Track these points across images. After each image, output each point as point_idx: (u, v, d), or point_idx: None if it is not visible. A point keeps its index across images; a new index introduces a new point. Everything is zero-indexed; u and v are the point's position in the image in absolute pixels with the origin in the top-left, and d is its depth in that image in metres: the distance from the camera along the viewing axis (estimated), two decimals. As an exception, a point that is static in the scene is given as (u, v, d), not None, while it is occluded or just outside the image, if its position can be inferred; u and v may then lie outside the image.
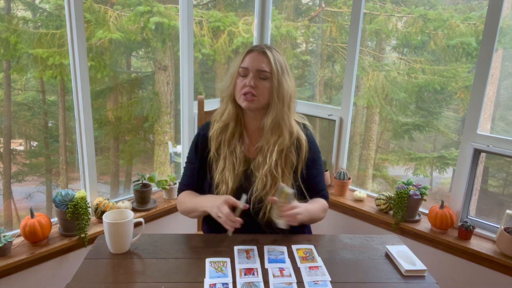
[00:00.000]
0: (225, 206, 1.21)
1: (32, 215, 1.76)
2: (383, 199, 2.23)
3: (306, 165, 1.39)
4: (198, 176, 1.44)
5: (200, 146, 1.43)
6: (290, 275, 1.09)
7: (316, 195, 1.42)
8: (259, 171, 1.34)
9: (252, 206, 1.32)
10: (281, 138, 1.33)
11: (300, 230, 1.44)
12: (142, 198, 2.18)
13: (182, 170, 1.56)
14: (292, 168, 1.37)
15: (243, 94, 1.30)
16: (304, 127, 1.43)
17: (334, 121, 2.49)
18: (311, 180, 1.40)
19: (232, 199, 1.23)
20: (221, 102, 1.40)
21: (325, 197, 1.45)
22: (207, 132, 1.42)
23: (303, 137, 1.38)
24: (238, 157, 1.35)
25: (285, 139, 1.34)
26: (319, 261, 1.17)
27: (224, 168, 1.35)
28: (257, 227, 1.36)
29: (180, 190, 1.48)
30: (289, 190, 1.21)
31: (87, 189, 2.05)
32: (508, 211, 1.88)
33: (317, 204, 1.38)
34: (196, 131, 1.69)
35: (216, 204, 1.23)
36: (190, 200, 1.40)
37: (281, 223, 1.22)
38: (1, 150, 3.11)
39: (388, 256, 1.23)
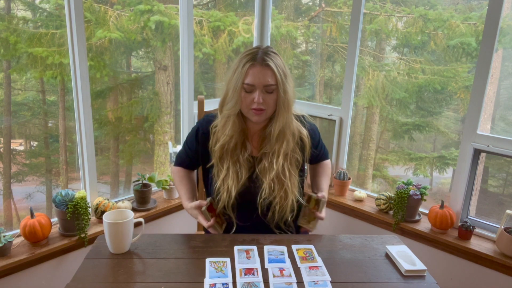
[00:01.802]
0: (200, 218, 1.35)
1: (32, 215, 1.76)
2: (383, 199, 2.23)
3: (309, 158, 1.45)
4: (196, 162, 1.51)
5: (201, 142, 1.42)
6: (290, 275, 1.09)
7: (322, 159, 1.57)
8: (265, 176, 1.33)
9: (261, 209, 1.34)
10: (285, 143, 1.33)
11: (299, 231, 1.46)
12: (142, 198, 2.18)
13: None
14: (298, 167, 1.39)
15: (252, 109, 1.29)
16: (304, 119, 1.43)
17: (334, 121, 2.49)
18: (317, 154, 1.52)
19: (201, 206, 1.34)
20: (223, 117, 1.35)
21: (327, 156, 1.59)
22: (206, 129, 1.41)
23: (305, 134, 1.39)
24: (242, 165, 1.34)
25: (289, 143, 1.34)
26: (319, 261, 1.17)
27: (226, 176, 1.34)
28: (267, 228, 1.37)
29: (175, 163, 1.56)
30: (316, 196, 1.35)
31: (87, 189, 2.05)
32: (508, 211, 1.88)
33: (326, 178, 1.54)
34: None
35: (193, 215, 1.37)
36: (178, 185, 1.51)
37: (310, 227, 1.37)
38: (1, 150, 3.11)
39: (388, 256, 1.23)
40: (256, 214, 1.36)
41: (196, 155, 1.46)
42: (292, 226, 1.40)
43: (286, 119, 1.32)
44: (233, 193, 1.32)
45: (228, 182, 1.33)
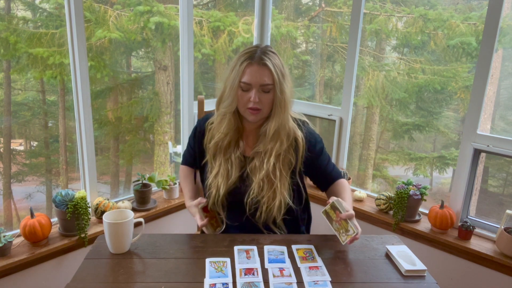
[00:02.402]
0: (197, 216, 1.35)
1: (32, 215, 1.76)
2: (383, 199, 2.23)
3: (305, 163, 1.37)
4: (196, 160, 1.50)
5: (198, 139, 1.45)
6: (290, 275, 1.09)
7: (333, 179, 1.44)
8: (255, 175, 1.32)
9: (249, 208, 1.34)
10: (278, 143, 1.31)
11: (299, 230, 1.45)
12: (142, 198, 2.18)
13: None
14: (290, 169, 1.35)
15: (248, 108, 1.28)
16: (303, 124, 1.39)
17: (334, 121, 2.49)
18: (323, 170, 1.42)
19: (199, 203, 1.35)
20: (219, 115, 1.35)
21: (341, 176, 1.46)
22: (203, 126, 1.43)
23: (300, 136, 1.35)
24: (234, 163, 1.34)
25: (283, 143, 1.32)
26: (319, 261, 1.16)
27: (217, 174, 1.35)
28: (255, 228, 1.37)
29: (182, 162, 1.59)
30: (332, 202, 1.22)
31: (87, 189, 2.05)
32: (508, 211, 1.88)
33: (347, 193, 1.37)
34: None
35: (192, 212, 1.38)
36: (182, 183, 1.55)
37: (352, 233, 1.17)
38: (1, 150, 3.11)
39: (388, 256, 1.23)
40: (245, 213, 1.35)
41: (194, 151, 1.49)
42: (282, 227, 1.39)
43: (282, 119, 1.30)
44: (222, 191, 1.32)
45: (218, 180, 1.34)
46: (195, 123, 1.51)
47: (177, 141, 2.97)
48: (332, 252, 1.23)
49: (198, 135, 1.45)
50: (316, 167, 1.41)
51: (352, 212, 1.19)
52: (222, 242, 1.26)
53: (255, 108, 1.27)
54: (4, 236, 1.69)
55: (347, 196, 1.35)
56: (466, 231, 1.95)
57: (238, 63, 1.27)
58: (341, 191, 1.39)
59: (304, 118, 1.42)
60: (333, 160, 2.54)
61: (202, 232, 1.44)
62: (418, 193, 2.08)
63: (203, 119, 1.47)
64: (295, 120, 1.39)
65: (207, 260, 1.15)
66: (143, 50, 3.64)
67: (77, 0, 1.79)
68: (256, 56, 1.26)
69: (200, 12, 3.33)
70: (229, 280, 1.06)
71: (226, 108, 1.31)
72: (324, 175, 1.44)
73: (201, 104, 1.73)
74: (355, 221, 1.19)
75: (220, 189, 1.33)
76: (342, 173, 2.40)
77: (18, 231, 1.82)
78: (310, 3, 4.45)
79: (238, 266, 1.12)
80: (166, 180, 2.28)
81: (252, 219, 1.36)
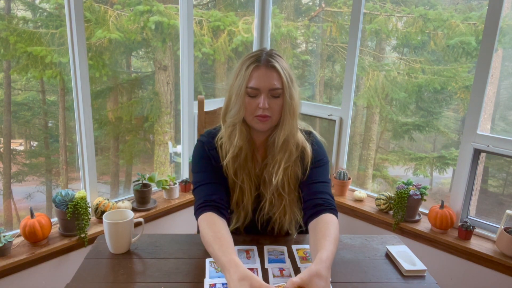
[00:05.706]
0: None
1: (32, 215, 1.76)
2: (383, 199, 2.23)
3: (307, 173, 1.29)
4: (223, 174, 1.25)
5: (213, 159, 1.26)
6: (290, 275, 1.09)
7: (318, 206, 1.18)
8: (266, 190, 1.26)
9: (260, 225, 1.30)
10: (287, 153, 1.23)
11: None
12: (142, 198, 2.18)
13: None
14: (297, 182, 1.27)
15: (256, 116, 1.18)
16: (310, 135, 1.32)
17: (334, 121, 2.49)
18: (310, 183, 1.24)
19: None
20: (228, 127, 1.22)
21: (331, 209, 1.17)
22: (212, 144, 1.27)
23: (308, 147, 1.27)
24: (253, 180, 1.26)
25: (292, 154, 1.24)
26: (319, 261, 1.16)
27: (239, 194, 1.25)
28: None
29: (198, 212, 1.18)
30: None
31: (87, 189, 2.05)
32: (508, 211, 1.88)
33: (331, 243, 1.03)
34: (196, 132, 1.64)
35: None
36: (210, 238, 1.06)
37: None
38: (1, 150, 3.11)
39: (388, 256, 1.23)
40: (256, 228, 1.32)
41: (217, 168, 1.25)
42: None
43: (291, 127, 1.21)
44: (250, 213, 1.26)
45: (243, 200, 1.25)
46: (195, 126, 1.42)
47: (177, 141, 2.97)
48: (332, 252, 1.23)
49: (210, 152, 1.26)
50: (309, 174, 1.25)
51: None
52: (222, 242, 1.26)
53: (264, 116, 1.17)
54: (4, 236, 1.69)
55: (328, 242, 1.02)
56: (466, 231, 1.95)
57: (243, 68, 1.17)
58: (324, 235, 1.06)
59: (310, 129, 1.35)
60: (333, 160, 2.54)
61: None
62: (418, 193, 2.08)
63: (207, 137, 1.29)
64: (301, 130, 1.31)
65: (207, 260, 1.15)
66: (143, 50, 3.64)
67: (77, 0, 1.79)
68: (262, 59, 1.17)
69: (200, 12, 3.33)
70: (229, 280, 1.06)
71: (233, 117, 1.20)
72: (309, 192, 1.22)
73: (201, 104, 1.72)
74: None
75: (248, 210, 1.25)
76: (342, 173, 2.42)
77: (18, 231, 1.82)
78: (310, 3, 4.45)
79: (238, 266, 1.11)
80: (166, 180, 2.28)
81: (261, 232, 1.32)
